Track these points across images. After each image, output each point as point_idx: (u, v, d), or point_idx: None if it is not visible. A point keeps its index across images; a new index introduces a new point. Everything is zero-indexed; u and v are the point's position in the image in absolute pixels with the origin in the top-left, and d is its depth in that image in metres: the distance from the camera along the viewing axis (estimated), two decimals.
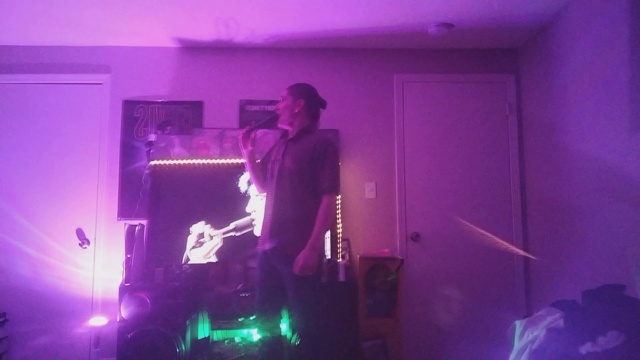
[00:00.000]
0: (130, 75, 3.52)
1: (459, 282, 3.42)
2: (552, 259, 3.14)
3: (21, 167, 3.41)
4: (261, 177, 2.57)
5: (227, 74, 3.57)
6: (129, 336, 2.76)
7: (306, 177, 2.30)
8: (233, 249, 3.19)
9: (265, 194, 2.51)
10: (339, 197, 3.19)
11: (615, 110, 2.46)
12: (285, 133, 2.52)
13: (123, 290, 2.90)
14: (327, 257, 3.14)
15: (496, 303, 3.39)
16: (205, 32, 3.33)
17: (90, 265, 3.36)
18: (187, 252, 3.17)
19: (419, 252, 3.47)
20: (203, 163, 3.30)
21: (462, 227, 3.44)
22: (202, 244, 3.19)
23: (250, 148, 2.53)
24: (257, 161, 2.61)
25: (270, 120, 2.53)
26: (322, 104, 2.50)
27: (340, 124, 3.49)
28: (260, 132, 2.58)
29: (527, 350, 2.07)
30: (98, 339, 3.22)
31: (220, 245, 3.20)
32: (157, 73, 3.54)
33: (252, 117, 3.47)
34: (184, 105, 3.51)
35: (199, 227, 3.20)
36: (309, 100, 2.43)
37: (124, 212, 3.38)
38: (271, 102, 3.45)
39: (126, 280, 2.98)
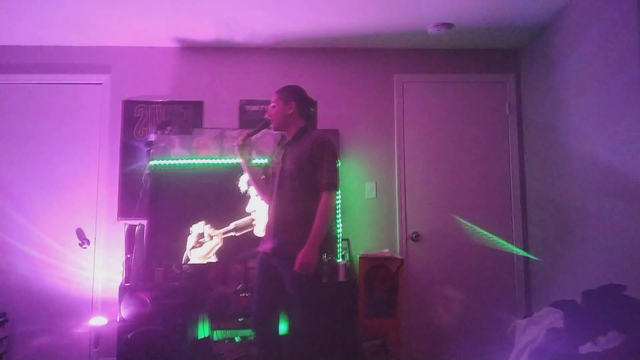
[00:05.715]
0: (130, 75, 3.52)
1: (459, 282, 3.42)
2: (552, 259, 3.14)
3: (21, 167, 3.41)
4: (264, 187, 2.54)
5: (227, 74, 3.57)
6: (129, 336, 2.77)
7: (306, 177, 2.30)
8: (233, 249, 3.18)
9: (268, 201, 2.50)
10: (338, 194, 3.19)
11: (616, 110, 2.46)
12: (283, 137, 2.51)
13: (123, 290, 2.91)
14: (327, 257, 3.13)
15: (496, 303, 3.39)
16: (205, 32, 3.33)
17: (90, 265, 3.36)
18: (187, 252, 3.17)
19: (419, 252, 3.47)
20: (203, 163, 3.30)
21: (462, 227, 3.44)
22: (202, 244, 3.19)
23: (247, 157, 2.50)
24: (257, 168, 2.58)
25: (262, 126, 2.52)
26: (312, 103, 2.50)
27: (340, 124, 3.49)
28: (259, 133, 2.60)
29: (527, 350, 2.07)
30: (98, 339, 3.21)
31: (220, 245, 3.20)
32: (157, 73, 3.54)
33: (252, 117, 3.48)
34: (184, 105, 3.51)
35: (199, 227, 3.20)
36: (300, 102, 2.43)
37: (124, 212, 3.38)
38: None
39: (126, 280, 2.98)
